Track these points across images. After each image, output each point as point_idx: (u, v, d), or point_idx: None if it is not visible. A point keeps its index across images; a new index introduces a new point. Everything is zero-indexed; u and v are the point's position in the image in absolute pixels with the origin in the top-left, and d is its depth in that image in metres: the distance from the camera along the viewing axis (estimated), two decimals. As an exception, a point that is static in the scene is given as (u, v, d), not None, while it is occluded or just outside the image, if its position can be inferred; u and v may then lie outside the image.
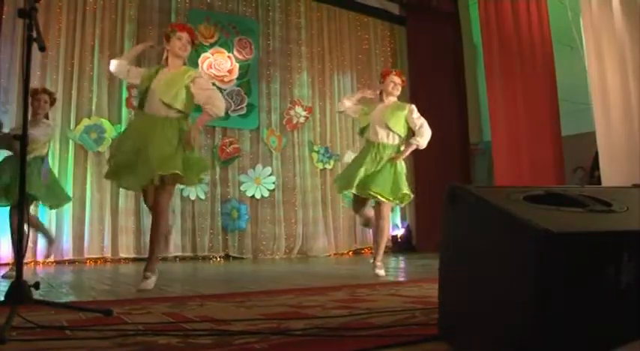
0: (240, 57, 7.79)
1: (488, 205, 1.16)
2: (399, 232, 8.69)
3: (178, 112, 3.45)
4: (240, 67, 7.78)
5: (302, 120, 8.14)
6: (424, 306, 2.15)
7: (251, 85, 7.83)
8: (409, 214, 8.84)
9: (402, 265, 5.91)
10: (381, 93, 4.34)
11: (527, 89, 7.23)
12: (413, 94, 9.07)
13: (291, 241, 7.79)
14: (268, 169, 7.76)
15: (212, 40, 7.63)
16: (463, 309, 1.22)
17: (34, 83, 6.12)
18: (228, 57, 7.71)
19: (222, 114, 3.70)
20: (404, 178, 4.13)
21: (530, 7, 7.53)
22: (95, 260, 6.34)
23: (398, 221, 8.82)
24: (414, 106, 4.28)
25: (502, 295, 1.06)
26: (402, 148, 4.19)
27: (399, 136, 4.20)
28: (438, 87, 8.55)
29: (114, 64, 3.64)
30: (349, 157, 6.99)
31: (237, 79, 7.73)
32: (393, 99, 4.31)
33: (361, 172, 4.05)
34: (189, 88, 3.48)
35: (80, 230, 6.33)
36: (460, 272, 1.26)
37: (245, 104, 7.72)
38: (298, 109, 8.14)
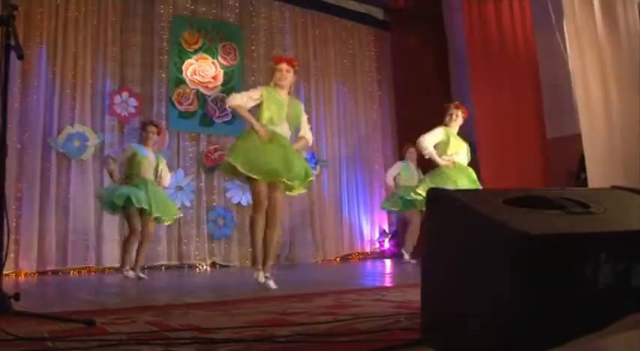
0: (225, 63, 7.78)
1: (467, 209, 1.16)
2: (388, 237, 8.70)
3: None
4: (225, 74, 7.76)
5: (287, 126, 8.13)
6: (409, 311, 2.14)
7: (236, 91, 7.81)
8: (397, 219, 8.87)
9: (389, 270, 5.92)
10: None
11: (512, 92, 7.29)
12: (397, 99, 9.13)
13: (278, 248, 7.75)
14: (254, 176, 7.73)
15: (196, 47, 7.60)
16: (445, 313, 1.22)
17: (13, 91, 6.04)
18: (213, 63, 7.69)
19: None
20: None
21: (514, 12, 7.60)
22: (79, 270, 6.26)
23: (386, 226, 8.83)
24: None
25: (482, 299, 1.06)
26: None
27: None
28: (423, 91, 8.59)
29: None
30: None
31: (222, 85, 7.71)
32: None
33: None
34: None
35: (64, 240, 6.26)
36: (441, 276, 1.26)
37: (230, 110, 7.69)
38: (283, 115, 8.12)
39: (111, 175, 5.35)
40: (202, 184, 7.37)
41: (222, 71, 7.73)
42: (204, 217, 7.29)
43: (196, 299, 3.08)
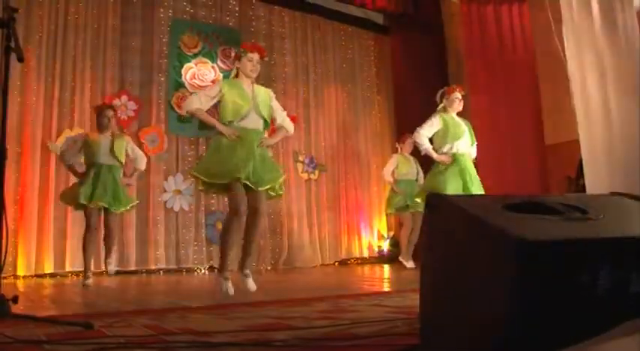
0: (224, 67, 7.78)
1: (466, 214, 1.17)
2: (386, 242, 8.69)
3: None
4: (224, 78, 7.76)
5: (286, 130, 8.13)
6: (407, 316, 2.15)
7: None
8: (395, 223, 8.87)
9: (387, 275, 5.91)
10: None
11: (510, 97, 7.30)
12: (397, 104, 9.14)
13: (276, 253, 7.76)
14: (253, 180, 7.72)
15: (195, 51, 7.61)
16: (443, 317, 1.22)
17: (14, 94, 6.06)
18: (212, 67, 7.70)
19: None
20: None
21: (513, 18, 7.63)
22: (77, 273, 6.24)
23: (385, 231, 8.83)
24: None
25: (480, 304, 1.06)
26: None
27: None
28: (422, 96, 8.59)
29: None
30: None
31: (221, 89, 7.71)
32: None
33: None
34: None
35: (62, 243, 6.24)
36: (440, 281, 1.26)
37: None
38: (283, 119, 8.12)
39: (72, 172, 5.10)
40: (200, 188, 7.34)
41: (221, 75, 7.74)
42: (203, 221, 7.28)
43: (194, 303, 3.08)
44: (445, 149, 4.97)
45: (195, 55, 7.60)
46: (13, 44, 2.04)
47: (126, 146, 5.05)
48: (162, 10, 7.44)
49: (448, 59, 9.17)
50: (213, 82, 7.63)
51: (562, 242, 1.02)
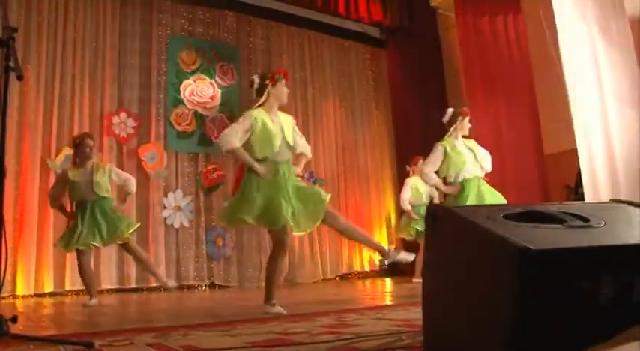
0: (223, 83, 7.82)
1: (468, 224, 1.16)
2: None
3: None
4: (223, 94, 7.80)
5: (285, 145, 8.14)
6: (411, 329, 2.13)
7: (234, 111, 7.84)
8: (396, 237, 8.85)
9: (389, 288, 5.88)
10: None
11: (509, 108, 7.33)
12: (394, 117, 9.17)
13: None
14: (253, 195, 7.70)
15: (194, 67, 7.65)
16: (447, 329, 1.22)
17: (13, 112, 6.07)
18: (210, 83, 7.73)
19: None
20: None
21: (509, 28, 7.68)
22: (77, 292, 6.21)
23: (386, 245, 8.79)
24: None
25: (484, 314, 1.06)
26: None
27: None
28: (419, 109, 8.63)
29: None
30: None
31: (220, 105, 7.74)
32: None
33: None
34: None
35: (61, 261, 6.21)
36: (443, 293, 1.26)
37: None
38: (281, 134, 8.14)
39: (62, 212, 4.92)
40: (201, 204, 7.35)
41: (219, 91, 7.77)
42: (204, 238, 7.26)
43: (196, 320, 3.06)
44: (451, 179, 4.83)
45: (193, 72, 7.63)
46: (12, 63, 2.05)
47: (109, 175, 4.78)
48: (160, 27, 7.49)
49: (445, 71, 9.23)
50: (211, 98, 7.66)
51: (564, 251, 1.02)
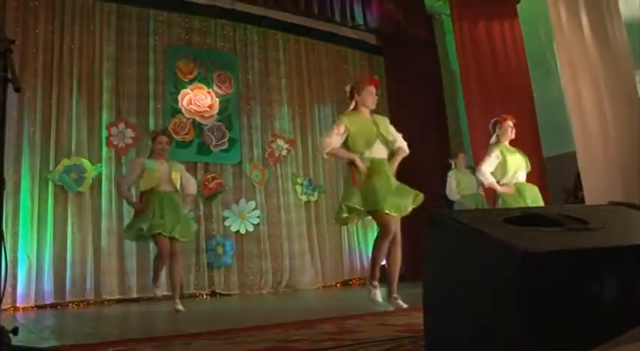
0: (220, 92, 7.83)
1: (468, 229, 1.17)
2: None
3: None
4: (221, 102, 7.81)
5: (284, 153, 8.15)
6: (413, 334, 2.12)
7: (232, 120, 7.86)
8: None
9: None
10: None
11: (506, 112, 7.30)
12: (392, 123, 9.16)
13: (278, 275, 7.71)
14: (252, 204, 7.72)
15: (191, 76, 7.66)
16: (449, 333, 1.21)
17: (11, 124, 6.09)
18: (208, 92, 7.74)
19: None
20: None
21: (505, 33, 7.71)
22: (78, 303, 6.19)
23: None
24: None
25: (486, 317, 1.06)
26: None
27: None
28: (417, 114, 8.64)
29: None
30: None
31: (218, 114, 7.75)
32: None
33: None
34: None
35: (62, 272, 6.19)
36: (444, 297, 1.26)
37: (226, 139, 7.73)
38: (280, 141, 8.15)
39: (127, 200, 5.27)
40: (200, 213, 7.34)
41: (217, 100, 7.77)
42: (204, 246, 7.24)
43: (198, 329, 3.05)
44: (506, 180, 5.07)
45: (191, 81, 7.64)
46: (10, 75, 2.05)
47: (179, 173, 5.16)
48: (157, 37, 7.50)
49: (443, 77, 9.25)
50: (209, 107, 7.67)
51: (565, 253, 1.02)
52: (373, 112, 4.33)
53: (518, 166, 5.10)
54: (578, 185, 6.02)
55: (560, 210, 1.32)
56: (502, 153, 5.10)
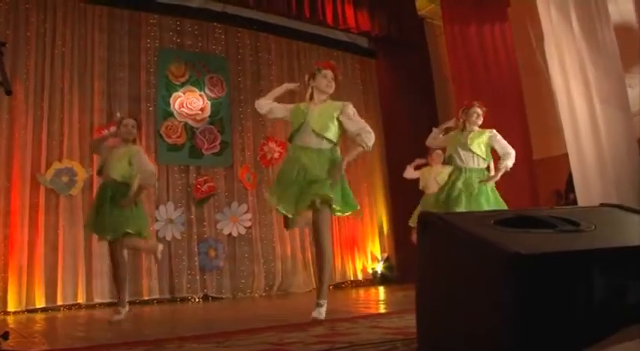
0: (212, 95, 7.82)
1: (459, 231, 1.17)
2: (380, 264, 8.67)
3: (329, 143, 3.66)
4: (212, 105, 7.80)
5: (276, 156, 8.14)
6: (405, 337, 2.13)
7: (224, 123, 7.85)
8: (388, 245, 8.87)
9: (383, 297, 5.88)
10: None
11: (497, 114, 7.36)
12: (384, 125, 9.19)
13: (270, 278, 7.70)
14: (244, 207, 7.70)
15: (183, 79, 7.65)
16: (441, 335, 1.22)
17: (2, 127, 6.07)
18: (200, 95, 7.73)
19: (371, 146, 3.76)
20: None
21: (496, 35, 7.75)
22: (69, 307, 6.16)
23: (378, 253, 8.80)
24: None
25: (478, 319, 1.06)
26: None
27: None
28: (409, 117, 8.67)
29: (258, 104, 3.96)
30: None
31: (210, 117, 7.74)
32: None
33: None
34: (339, 119, 3.74)
35: (53, 276, 6.16)
36: (436, 299, 1.26)
37: (218, 142, 7.72)
38: (272, 144, 8.15)
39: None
40: (192, 216, 7.33)
41: (209, 103, 7.77)
42: (196, 250, 7.22)
43: (190, 332, 3.04)
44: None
45: (183, 84, 7.63)
46: (0, 77, 2.04)
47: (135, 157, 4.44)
48: (148, 40, 7.48)
49: (434, 80, 9.28)
50: (201, 109, 7.66)
51: (556, 255, 1.03)
52: (333, 97, 3.94)
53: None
54: (569, 187, 6.04)
55: (552, 212, 1.33)
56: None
